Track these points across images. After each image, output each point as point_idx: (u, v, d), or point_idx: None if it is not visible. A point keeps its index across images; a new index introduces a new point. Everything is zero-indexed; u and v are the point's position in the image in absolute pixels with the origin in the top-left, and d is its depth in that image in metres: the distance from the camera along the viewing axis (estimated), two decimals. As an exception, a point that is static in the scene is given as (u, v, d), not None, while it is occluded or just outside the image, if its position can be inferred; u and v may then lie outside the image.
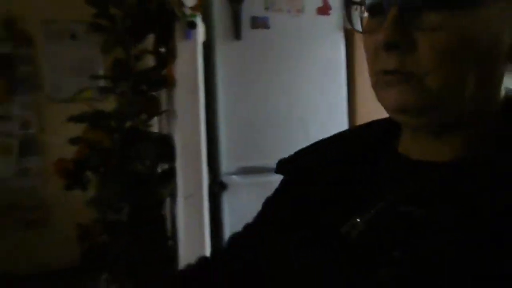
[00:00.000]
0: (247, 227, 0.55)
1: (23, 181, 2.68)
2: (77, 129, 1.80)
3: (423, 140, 0.41)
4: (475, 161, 0.38)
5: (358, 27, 0.40)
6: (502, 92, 0.41)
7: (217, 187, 1.76)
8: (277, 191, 0.54)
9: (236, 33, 1.62)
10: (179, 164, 1.65)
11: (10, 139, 2.66)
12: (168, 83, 1.61)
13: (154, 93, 1.82)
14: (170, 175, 1.69)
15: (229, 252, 0.55)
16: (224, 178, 1.73)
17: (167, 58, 1.60)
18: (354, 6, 0.40)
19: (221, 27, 1.60)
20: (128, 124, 1.70)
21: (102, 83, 2.18)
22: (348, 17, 0.41)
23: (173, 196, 1.83)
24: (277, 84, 1.59)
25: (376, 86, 0.40)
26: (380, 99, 0.40)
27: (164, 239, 1.82)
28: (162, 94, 2.06)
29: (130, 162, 1.61)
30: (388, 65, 0.37)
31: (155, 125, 2.16)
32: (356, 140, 0.49)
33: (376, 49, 0.38)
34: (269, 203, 0.55)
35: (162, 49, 1.62)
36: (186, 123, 1.51)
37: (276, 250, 0.48)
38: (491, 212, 0.34)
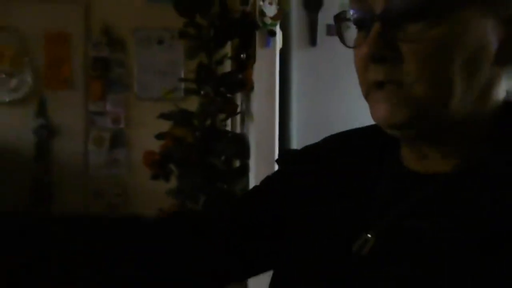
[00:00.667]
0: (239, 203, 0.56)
1: (111, 170, 3.02)
2: (158, 126, 2.00)
3: (419, 150, 0.42)
4: (472, 169, 0.39)
5: (349, 42, 0.42)
6: (501, 95, 0.41)
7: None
8: (280, 178, 0.55)
9: (312, 40, 1.71)
10: (252, 162, 1.78)
11: (104, 132, 3.01)
12: (247, 86, 1.74)
13: (231, 95, 1.97)
14: (243, 171, 1.82)
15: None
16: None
17: (246, 64, 1.73)
18: (345, 22, 0.42)
19: (298, 34, 1.70)
20: (208, 122, 1.86)
21: (183, 85, 2.39)
22: (338, 32, 0.43)
23: (244, 191, 1.97)
24: (352, 90, 1.64)
25: (367, 98, 0.41)
26: (372, 112, 0.41)
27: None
28: (238, 97, 2.21)
29: (209, 157, 1.76)
30: (377, 76, 0.39)
31: (229, 126, 2.32)
32: (362, 142, 0.50)
33: (365, 61, 0.39)
34: (269, 188, 0.55)
35: (243, 55, 1.75)
36: (261, 124, 1.62)
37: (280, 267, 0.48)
38: (491, 213, 0.36)
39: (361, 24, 0.41)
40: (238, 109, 1.98)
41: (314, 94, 1.59)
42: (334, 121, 1.61)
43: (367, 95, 0.42)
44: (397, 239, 0.40)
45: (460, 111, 0.38)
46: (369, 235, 0.41)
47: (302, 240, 0.47)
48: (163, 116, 1.74)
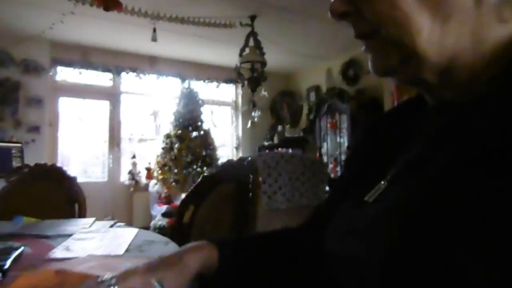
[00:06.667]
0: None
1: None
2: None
3: (424, 91, 0.44)
4: (476, 101, 0.37)
5: None
6: (502, 33, 0.37)
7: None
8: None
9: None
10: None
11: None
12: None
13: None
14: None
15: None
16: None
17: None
18: None
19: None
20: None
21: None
22: None
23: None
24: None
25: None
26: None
27: None
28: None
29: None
30: (353, 30, 0.41)
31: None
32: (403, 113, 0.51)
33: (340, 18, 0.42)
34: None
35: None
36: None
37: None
38: (489, 144, 0.34)
39: None
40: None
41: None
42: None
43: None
44: (404, 177, 0.41)
45: (433, 48, 0.37)
46: (382, 182, 0.43)
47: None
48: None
